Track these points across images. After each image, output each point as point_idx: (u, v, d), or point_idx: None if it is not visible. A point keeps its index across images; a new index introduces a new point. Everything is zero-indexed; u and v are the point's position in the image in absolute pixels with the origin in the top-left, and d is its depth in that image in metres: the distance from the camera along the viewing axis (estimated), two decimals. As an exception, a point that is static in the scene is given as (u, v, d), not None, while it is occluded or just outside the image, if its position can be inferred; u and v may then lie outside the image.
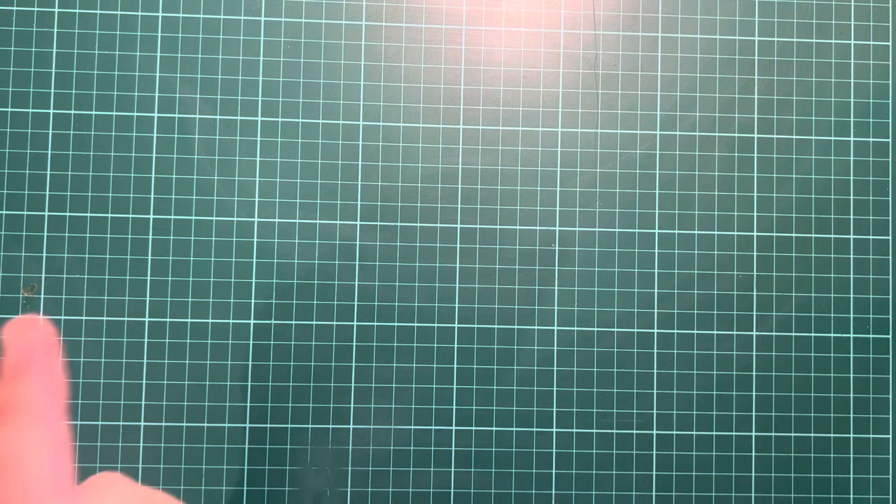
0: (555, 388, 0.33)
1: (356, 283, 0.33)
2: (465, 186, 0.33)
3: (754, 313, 0.34)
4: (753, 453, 0.33)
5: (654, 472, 0.33)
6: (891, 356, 0.34)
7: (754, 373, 0.33)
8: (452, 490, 0.32)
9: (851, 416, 0.33)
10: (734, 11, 0.34)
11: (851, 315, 0.34)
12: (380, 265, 0.33)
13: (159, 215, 0.33)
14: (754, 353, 0.33)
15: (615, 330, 0.33)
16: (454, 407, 0.33)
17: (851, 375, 0.33)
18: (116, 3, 0.33)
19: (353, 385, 0.33)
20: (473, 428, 0.33)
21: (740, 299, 0.34)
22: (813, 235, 0.34)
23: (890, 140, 0.34)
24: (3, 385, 0.16)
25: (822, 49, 0.34)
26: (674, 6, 0.34)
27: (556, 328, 0.33)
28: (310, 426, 0.32)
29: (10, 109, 0.33)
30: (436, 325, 0.33)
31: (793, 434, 0.33)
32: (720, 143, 0.34)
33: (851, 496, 0.33)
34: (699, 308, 0.33)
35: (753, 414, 0.33)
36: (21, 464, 0.16)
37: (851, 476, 0.33)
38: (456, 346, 0.33)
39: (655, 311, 0.33)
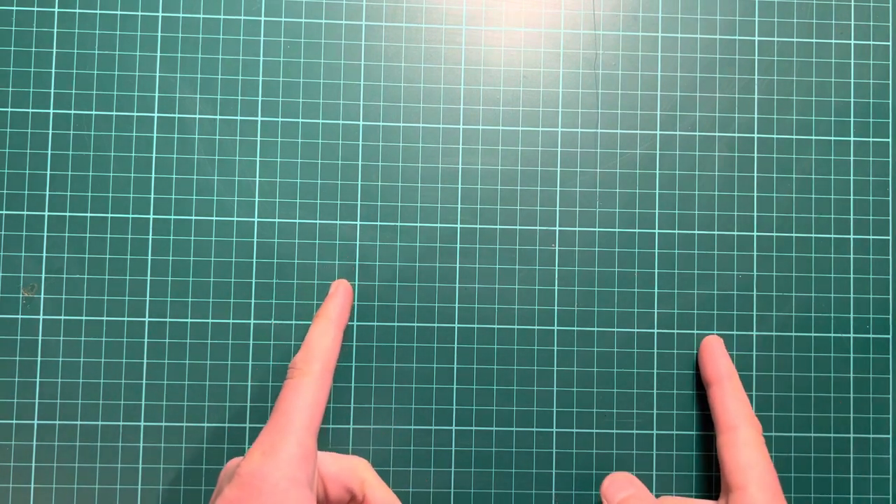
0: (555, 388, 0.33)
1: (356, 283, 0.33)
2: (465, 186, 0.33)
3: (754, 313, 0.34)
4: (753, 453, 0.33)
5: (654, 472, 0.33)
6: (891, 356, 0.34)
7: (754, 373, 0.33)
8: (452, 490, 0.32)
9: (851, 416, 0.33)
10: (734, 11, 0.34)
11: (851, 315, 0.34)
12: (380, 265, 0.33)
13: (159, 215, 0.33)
14: (754, 353, 0.33)
15: (615, 330, 0.33)
16: (454, 407, 0.33)
17: (851, 375, 0.33)
18: (116, 3, 0.33)
19: (353, 385, 0.33)
20: (473, 428, 0.33)
21: (740, 299, 0.34)
22: (813, 235, 0.34)
23: (890, 140, 0.34)
24: (324, 301, 0.31)
25: (822, 49, 0.34)
26: (674, 6, 0.34)
27: (556, 328, 0.33)
28: (310, 426, 0.32)
29: (10, 109, 0.33)
30: (436, 325, 0.33)
31: (793, 434, 0.33)
32: (720, 143, 0.34)
33: (851, 496, 0.33)
34: (699, 308, 0.33)
35: (753, 414, 0.33)
36: (314, 342, 0.29)
37: (851, 476, 0.33)
38: (456, 346, 0.33)
39: (655, 311, 0.33)
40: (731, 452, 0.29)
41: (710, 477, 0.33)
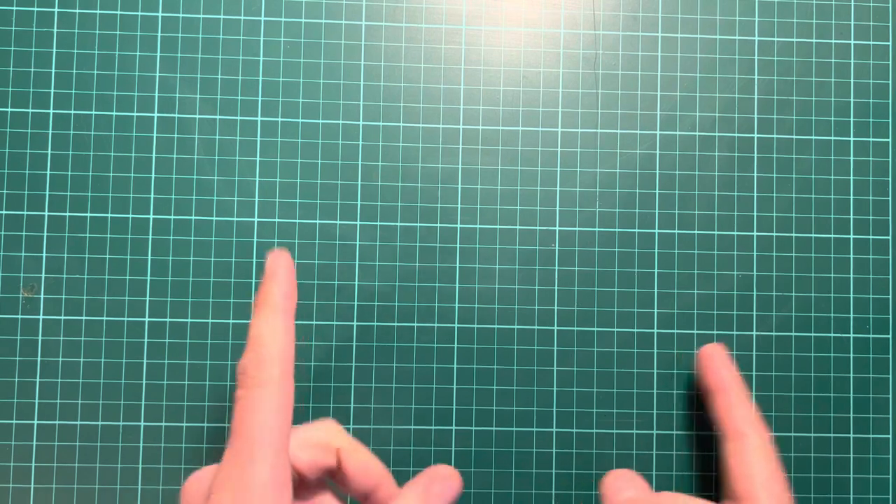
0: (555, 388, 0.33)
1: (356, 283, 0.33)
2: (465, 186, 0.33)
3: (754, 313, 0.34)
4: (753, 453, 0.33)
5: (653, 472, 0.33)
6: (891, 356, 0.34)
7: (754, 373, 0.33)
8: (452, 490, 0.32)
9: (851, 416, 0.33)
10: (734, 11, 0.34)
11: (851, 315, 0.34)
12: (380, 265, 0.33)
13: (159, 215, 0.33)
14: (754, 353, 0.33)
15: (615, 330, 0.33)
16: (454, 407, 0.33)
17: (851, 375, 0.33)
18: (116, 3, 0.33)
19: (353, 385, 0.33)
20: (473, 428, 0.33)
21: (740, 299, 0.34)
22: (813, 235, 0.34)
23: (890, 140, 0.34)
24: (263, 284, 0.25)
25: (822, 49, 0.34)
26: (674, 6, 0.34)
27: (556, 328, 0.33)
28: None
29: (10, 109, 0.33)
30: (436, 325, 0.33)
31: (793, 434, 0.33)
32: (720, 143, 0.34)
33: (851, 496, 0.33)
34: (699, 308, 0.33)
35: (753, 414, 0.33)
36: (263, 339, 0.24)
37: (851, 476, 0.33)
38: (456, 346, 0.33)
39: (655, 311, 0.33)
40: (738, 460, 0.28)
41: (710, 477, 0.33)
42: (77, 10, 0.33)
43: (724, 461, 0.29)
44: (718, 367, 0.31)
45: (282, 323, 0.24)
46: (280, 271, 0.25)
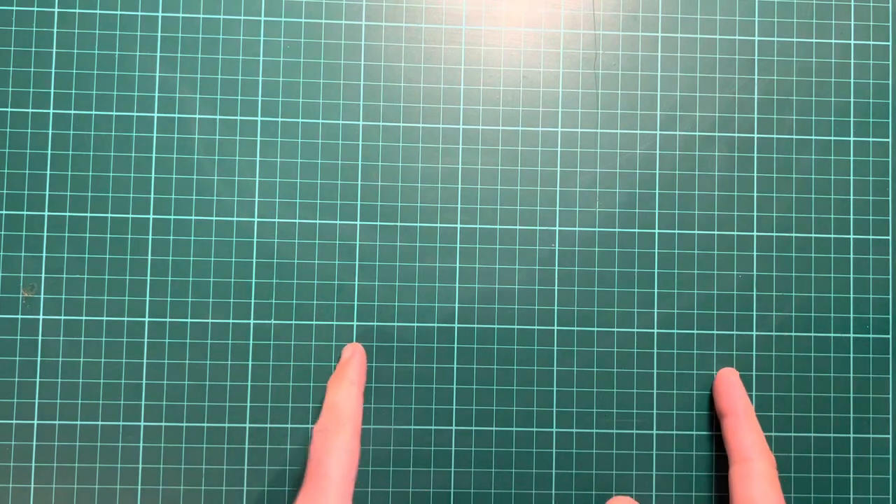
0: (555, 388, 0.33)
1: (356, 283, 0.33)
2: (465, 186, 0.33)
3: (754, 313, 0.34)
4: (753, 453, 0.33)
5: (654, 472, 0.33)
6: (891, 356, 0.34)
7: (754, 373, 0.33)
8: (452, 490, 0.32)
9: (851, 416, 0.33)
10: (734, 11, 0.34)
11: (851, 315, 0.34)
12: (380, 265, 0.33)
13: (159, 215, 0.33)
14: (754, 353, 0.33)
15: (615, 330, 0.33)
16: (454, 407, 0.33)
17: (851, 375, 0.33)
18: (116, 3, 0.33)
19: (353, 385, 0.33)
20: (473, 428, 0.33)
21: (740, 299, 0.34)
22: (813, 235, 0.34)
23: (890, 140, 0.34)
24: (340, 366, 0.31)
25: (822, 49, 0.34)
26: (674, 6, 0.34)
27: (556, 328, 0.33)
28: (310, 426, 0.32)
29: (10, 109, 0.33)
30: (436, 325, 0.33)
31: (793, 434, 0.33)
32: (720, 143, 0.34)
33: (851, 496, 0.33)
34: (699, 308, 0.33)
35: (753, 414, 0.33)
36: (340, 405, 0.29)
37: (851, 476, 0.33)
38: (456, 346, 0.33)
39: (655, 311, 0.33)
40: (742, 484, 0.29)
41: (711, 477, 0.33)
42: (77, 10, 0.33)
43: (730, 484, 0.30)
44: (730, 392, 0.32)
45: (355, 393, 0.29)
46: (354, 357, 0.31)
